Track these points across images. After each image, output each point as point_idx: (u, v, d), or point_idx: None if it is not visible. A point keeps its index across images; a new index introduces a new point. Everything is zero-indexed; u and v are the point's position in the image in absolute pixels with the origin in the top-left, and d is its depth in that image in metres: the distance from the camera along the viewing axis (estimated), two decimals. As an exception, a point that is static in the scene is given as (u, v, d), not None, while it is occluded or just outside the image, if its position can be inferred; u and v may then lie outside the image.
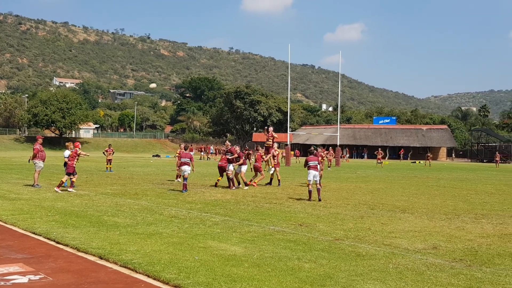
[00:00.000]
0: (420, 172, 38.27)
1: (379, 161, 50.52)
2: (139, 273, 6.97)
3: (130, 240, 9.07)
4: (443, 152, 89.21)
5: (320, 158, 21.07)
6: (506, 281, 6.76)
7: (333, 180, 25.80)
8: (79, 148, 18.73)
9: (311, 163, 16.44)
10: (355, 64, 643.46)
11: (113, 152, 32.00)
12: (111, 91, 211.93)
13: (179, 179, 22.47)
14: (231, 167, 20.27)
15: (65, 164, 19.28)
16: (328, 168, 38.12)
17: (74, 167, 18.29)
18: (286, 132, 56.62)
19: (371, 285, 6.46)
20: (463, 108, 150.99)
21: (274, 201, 15.78)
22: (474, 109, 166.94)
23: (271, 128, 25.28)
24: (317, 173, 16.41)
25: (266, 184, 22.03)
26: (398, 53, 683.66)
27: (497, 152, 63.68)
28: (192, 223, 11.10)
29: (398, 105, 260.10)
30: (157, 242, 8.88)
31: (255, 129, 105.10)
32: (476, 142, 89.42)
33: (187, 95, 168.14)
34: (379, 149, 54.95)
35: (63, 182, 17.97)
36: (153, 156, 74.02)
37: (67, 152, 19.31)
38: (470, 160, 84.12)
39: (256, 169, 21.66)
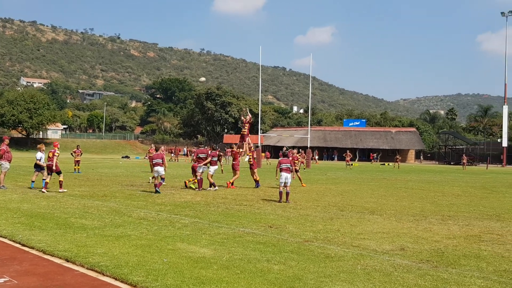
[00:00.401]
0: (389, 174, 38.71)
1: (348, 163, 50.99)
2: (106, 276, 6.88)
3: (98, 242, 8.95)
4: (411, 154, 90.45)
5: (296, 160, 21.30)
6: (472, 282, 6.87)
7: (303, 182, 25.90)
8: (58, 148, 18.77)
9: (283, 166, 16.52)
10: (326, 66, 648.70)
11: (81, 153, 31.61)
12: (80, 91, 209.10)
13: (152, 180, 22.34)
14: (200, 168, 20.20)
15: (36, 165, 19.11)
16: (303, 170, 38.60)
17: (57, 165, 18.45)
18: (257, 134, 56.69)
19: (339, 287, 6.49)
20: (431, 111, 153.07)
21: (244, 203, 15.76)
22: (442, 112, 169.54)
23: (249, 116, 25.12)
24: (289, 175, 16.46)
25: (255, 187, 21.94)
26: (368, 56, 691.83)
27: (464, 155, 64.79)
28: (161, 225, 11.01)
29: (368, 107, 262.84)
30: (125, 245, 8.78)
31: (226, 130, 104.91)
32: (443, 145, 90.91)
33: (158, 96, 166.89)
34: (347, 151, 55.37)
35: (62, 182, 18.41)
36: (122, 157, 73.25)
37: (39, 154, 19.15)
38: (437, 163, 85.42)
39: (234, 168, 21.75)
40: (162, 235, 9.83)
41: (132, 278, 6.65)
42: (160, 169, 18.63)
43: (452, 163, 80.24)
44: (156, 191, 18.06)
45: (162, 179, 18.72)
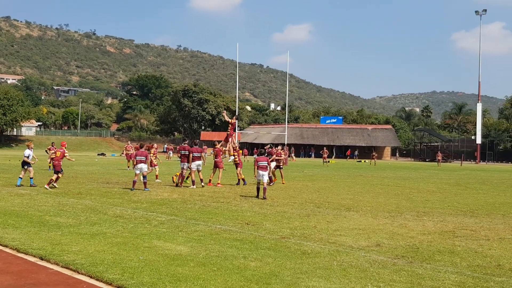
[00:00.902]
0: (365, 171, 39.01)
1: (325, 160, 51.22)
2: (81, 274, 6.81)
3: (73, 240, 8.85)
4: (387, 151, 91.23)
5: (279, 156, 21.63)
6: (446, 277, 6.96)
7: (280, 179, 25.95)
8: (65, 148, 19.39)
9: (260, 163, 16.77)
10: (303, 64, 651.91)
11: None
12: (55, 88, 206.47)
13: (158, 180, 22.73)
14: (185, 165, 20.10)
15: (24, 163, 19.13)
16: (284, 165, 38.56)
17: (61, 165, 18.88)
18: (235, 131, 56.63)
19: (315, 283, 6.52)
20: (407, 108, 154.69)
21: (221, 200, 15.74)
22: (418, 109, 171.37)
23: (234, 119, 25.23)
24: (265, 173, 16.72)
25: (236, 184, 22.00)
26: (345, 54, 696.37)
27: (439, 152, 65.53)
28: (137, 223, 10.93)
29: (345, 105, 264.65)
30: (101, 242, 8.70)
31: (203, 127, 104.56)
32: (419, 142, 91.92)
33: (134, 93, 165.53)
34: (325, 148, 55.57)
35: (53, 180, 18.36)
36: (98, 154, 72.55)
37: (27, 151, 19.22)
38: (413, 159, 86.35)
39: (217, 165, 21.70)
40: (138, 232, 9.77)
41: (108, 276, 6.59)
42: (143, 166, 18.53)
43: (427, 160, 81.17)
44: (144, 189, 18.07)
45: (144, 176, 18.54)
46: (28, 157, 19.03)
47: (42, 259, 7.55)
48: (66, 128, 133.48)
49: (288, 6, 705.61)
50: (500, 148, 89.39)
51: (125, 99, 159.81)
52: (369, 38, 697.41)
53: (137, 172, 18.75)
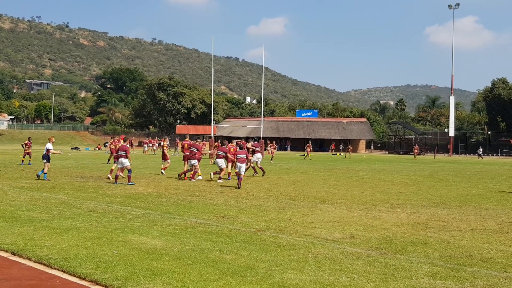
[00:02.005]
0: (340, 164, 39.28)
1: (306, 154, 50.16)
2: (55, 268, 6.73)
3: (46, 235, 8.75)
4: (362, 144, 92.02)
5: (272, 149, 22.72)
6: (418, 268, 7.05)
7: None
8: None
9: (239, 156, 18.37)
10: (279, 57, 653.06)
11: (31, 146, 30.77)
12: (27, 81, 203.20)
13: (163, 171, 23.21)
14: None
15: (45, 156, 19.76)
16: (271, 161, 38.57)
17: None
18: (210, 124, 56.48)
19: (290, 275, 6.55)
20: (381, 102, 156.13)
21: (196, 194, 15.70)
22: (392, 103, 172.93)
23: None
24: (243, 165, 18.28)
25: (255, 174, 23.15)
26: (320, 47, 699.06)
27: (416, 145, 66.16)
28: (111, 217, 10.84)
29: (320, 98, 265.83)
30: (74, 237, 8.61)
31: (178, 121, 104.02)
32: (393, 135, 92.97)
33: (108, 86, 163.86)
34: (310, 142, 54.89)
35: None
36: (72, 148, 71.70)
37: (49, 145, 20.11)
38: (387, 152, 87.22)
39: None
40: (112, 227, 9.69)
41: (81, 271, 6.53)
42: (124, 160, 18.57)
43: (401, 152, 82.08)
44: (129, 184, 17.93)
45: (129, 170, 18.53)
46: (49, 150, 19.96)
47: (14, 254, 7.44)
48: (39, 122, 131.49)
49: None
50: (473, 140, 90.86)
51: (99, 93, 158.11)
52: (344, 32, 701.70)
53: (119, 166, 18.95)
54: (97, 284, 6.13)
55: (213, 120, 59.09)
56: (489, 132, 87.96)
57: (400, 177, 25.26)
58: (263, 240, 8.73)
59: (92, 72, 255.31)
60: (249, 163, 22.27)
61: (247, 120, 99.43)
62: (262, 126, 59.99)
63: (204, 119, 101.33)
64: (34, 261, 7.08)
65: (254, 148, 24.52)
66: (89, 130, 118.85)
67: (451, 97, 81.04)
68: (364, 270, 6.86)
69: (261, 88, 68.73)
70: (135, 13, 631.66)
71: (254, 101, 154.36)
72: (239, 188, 17.32)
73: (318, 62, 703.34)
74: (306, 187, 18.95)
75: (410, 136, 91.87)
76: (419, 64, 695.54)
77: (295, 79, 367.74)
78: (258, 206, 13.08)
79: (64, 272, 6.59)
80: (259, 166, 23.97)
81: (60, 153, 23.99)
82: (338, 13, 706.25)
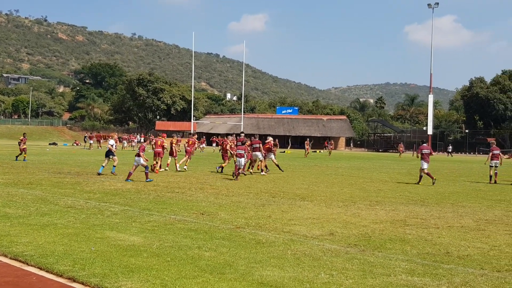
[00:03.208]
0: (320, 161, 39.42)
1: (307, 152, 49.96)
2: (31, 265, 6.64)
3: (22, 231, 8.62)
4: (342, 141, 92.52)
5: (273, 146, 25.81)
6: (396, 265, 7.09)
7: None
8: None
9: (238, 151, 20.92)
10: (260, 54, 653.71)
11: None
12: (4, 75, 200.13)
13: (163, 169, 23.66)
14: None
15: (108, 152, 20.95)
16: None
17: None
18: (190, 121, 56.25)
19: (269, 272, 6.54)
20: (361, 99, 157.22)
21: (176, 190, 15.63)
22: (372, 100, 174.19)
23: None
24: (242, 159, 20.60)
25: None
26: (301, 45, 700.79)
27: (401, 143, 66.36)
28: (89, 213, 10.73)
29: (301, 95, 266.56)
30: (51, 233, 8.50)
31: (158, 117, 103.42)
32: (372, 133, 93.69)
33: (87, 81, 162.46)
34: (308, 139, 54.18)
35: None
36: (49, 144, 70.89)
37: (111, 141, 21.64)
38: (367, 150, 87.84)
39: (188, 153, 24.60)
40: (90, 223, 9.59)
41: (58, 268, 6.45)
42: (138, 158, 18.85)
43: (380, 150, 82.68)
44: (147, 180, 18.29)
45: (146, 167, 18.80)
46: (112, 146, 21.20)
47: (-11, 251, 7.33)
48: (16, 116, 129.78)
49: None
50: (450, 138, 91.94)
51: (78, 88, 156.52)
52: (325, 30, 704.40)
53: (135, 164, 19.15)
54: (74, 281, 6.05)
55: (193, 116, 58.96)
56: (467, 131, 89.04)
57: (379, 175, 25.44)
58: (243, 237, 8.72)
59: (70, 67, 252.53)
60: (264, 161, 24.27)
61: (228, 116, 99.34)
62: (242, 123, 60.06)
63: (184, 115, 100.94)
64: (10, 258, 6.97)
65: (270, 146, 25.40)
66: (67, 125, 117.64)
67: (429, 95, 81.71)
68: (342, 267, 6.88)
69: (242, 85, 68.75)
70: (115, 7, 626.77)
71: (235, 98, 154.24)
72: (236, 179, 19.73)
73: (299, 59, 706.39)
74: (285, 184, 18.98)
75: (389, 134, 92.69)
76: (398, 63, 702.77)
77: (275, 76, 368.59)
78: (238, 203, 13.06)
79: (41, 269, 6.50)
80: (275, 162, 25.35)
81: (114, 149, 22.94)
82: (319, 11, 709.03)
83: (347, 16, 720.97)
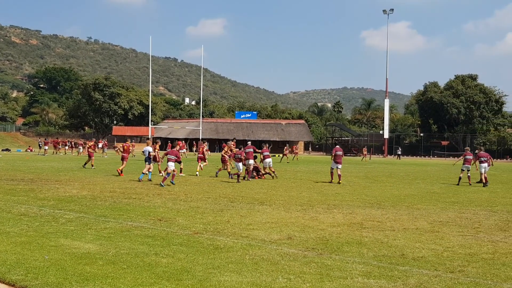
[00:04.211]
0: (279, 166, 39.55)
1: (286, 155, 49.69)
2: (-19, 276, 6.43)
3: (-28, 241, 8.35)
4: (300, 146, 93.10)
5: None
6: (353, 268, 7.18)
7: (193, 174, 25.82)
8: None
9: (236, 156, 22.50)
10: (218, 58, 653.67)
11: None
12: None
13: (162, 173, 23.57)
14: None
15: (149, 158, 22.06)
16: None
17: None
18: (148, 125, 55.70)
19: (227, 277, 6.52)
20: (319, 104, 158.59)
21: (133, 196, 15.42)
22: (329, 105, 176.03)
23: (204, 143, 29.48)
24: (240, 163, 22.25)
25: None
26: (259, 49, 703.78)
27: (365, 147, 66.87)
28: (43, 221, 10.48)
29: (259, 100, 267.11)
30: (3, 242, 8.27)
31: (115, 122, 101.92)
32: (330, 137, 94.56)
33: (41, 85, 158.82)
34: (287, 144, 53.67)
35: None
36: (2, 150, 68.98)
37: (147, 148, 22.60)
38: (325, 154, 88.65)
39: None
40: (44, 231, 9.37)
41: (10, 277, 6.28)
42: (170, 164, 19.42)
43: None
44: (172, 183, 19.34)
45: (168, 174, 19.51)
46: (149, 152, 22.22)
47: None
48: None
49: (202, 0, 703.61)
50: (406, 142, 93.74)
51: (32, 92, 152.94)
52: (283, 34, 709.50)
53: (170, 169, 19.64)
54: (27, 291, 5.90)
55: (151, 121, 58.34)
56: (422, 134, 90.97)
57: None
58: (201, 242, 8.66)
59: (24, 71, 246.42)
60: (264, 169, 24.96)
61: (186, 121, 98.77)
62: (201, 128, 59.84)
63: (141, 120, 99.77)
64: (-41, 269, 6.74)
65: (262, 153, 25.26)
66: (20, 131, 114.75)
67: (385, 100, 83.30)
68: (300, 271, 6.92)
69: (200, 89, 68.53)
70: (69, 11, 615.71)
71: (193, 102, 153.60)
72: (238, 181, 21.65)
73: (257, 64, 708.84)
74: (244, 188, 18.98)
75: (346, 138, 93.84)
76: (355, 67, 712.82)
77: (234, 81, 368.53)
78: (196, 208, 12.99)
79: (-9, 279, 6.31)
80: (272, 170, 25.04)
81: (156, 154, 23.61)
82: (277, 15, 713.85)
83: (305, 21, 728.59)
